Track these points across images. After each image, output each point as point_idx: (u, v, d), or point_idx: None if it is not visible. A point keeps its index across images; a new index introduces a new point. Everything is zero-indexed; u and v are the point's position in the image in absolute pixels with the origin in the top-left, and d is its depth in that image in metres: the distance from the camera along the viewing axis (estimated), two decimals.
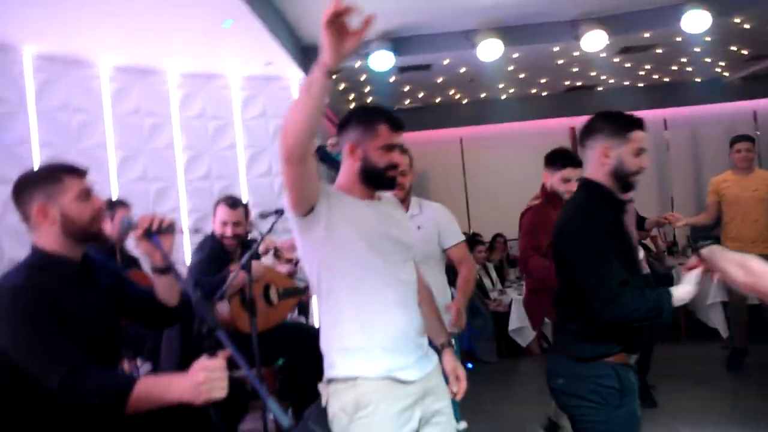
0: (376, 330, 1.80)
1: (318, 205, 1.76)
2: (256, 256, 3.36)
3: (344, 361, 1.80)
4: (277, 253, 4.04)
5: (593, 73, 7.56)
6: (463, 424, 2.06)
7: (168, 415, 2.00)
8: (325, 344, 1.86)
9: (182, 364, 1.78)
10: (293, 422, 1.44)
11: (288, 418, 1.42)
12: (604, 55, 6.39)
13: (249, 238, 3.88)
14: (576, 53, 6.32)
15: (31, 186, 1.92)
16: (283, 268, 3.93)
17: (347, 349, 1.80)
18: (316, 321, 5.31)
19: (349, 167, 1.91)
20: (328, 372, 1.83)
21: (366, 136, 1.87)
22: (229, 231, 3.41)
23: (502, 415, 4.25)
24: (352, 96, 7.30)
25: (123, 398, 1.70)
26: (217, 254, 3.33)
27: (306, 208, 1.75)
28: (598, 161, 2.04)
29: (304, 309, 4.55)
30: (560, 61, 6.80)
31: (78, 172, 1.98)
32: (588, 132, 2.09)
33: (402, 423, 1.78)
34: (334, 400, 1.81)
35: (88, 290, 1.99)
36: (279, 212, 3.25)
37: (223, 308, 3.30)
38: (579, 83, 8.06)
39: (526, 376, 5.57)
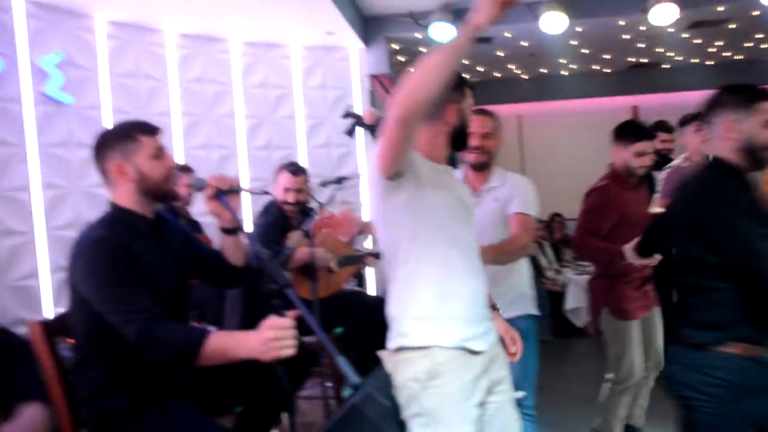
0: (452, 299, 1.78)
1: (406, 169, 1.74)
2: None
3: (419, 329, 1.77)
4: None
5: (660, 50, 7.30)
6: (521, 393, 2.06)
7: (237, 370, 2.08)
8: (397, 311, 1.82)
9: (244, 327, 1.84)
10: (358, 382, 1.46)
11: (356, 376, 1.44)
12: (672, 30, 6.15)
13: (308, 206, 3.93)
14: (643, 28, 6.11)
15: (109, 144, 1.99)
16: (341, 237, 3.98)
17: (422, 317, 1.77)
18: (370, 289, 5.38)
19: (435, 130, 1.88)
20: (399, 340, 1.80)
21: (460, 97, 1.89)
22: (291, 197, 3.45)
23: (554, 391, 4.23)
24: (411, 68, 7.26)
25: (195, 351, 1.76)
26: (279, 220, 3.38)
27: (396, 171, 1.72)
28: (723, 136, 1.92)
29: (360, 278, 4.59)
30: (626, 36, 6.59)
31: (152, 131, 2.03)
32: (712, 106, 1.97)
33: (471, 393, 1.77)
34: (404, 368, 1.77)
35: (160, 248, 2.04)
36: (340, 180, 3.28)
37: None
38: (644, 60, 7.79)
39: (580, 355, 5.53)
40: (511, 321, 2.45)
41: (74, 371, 1.99)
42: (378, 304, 3.65)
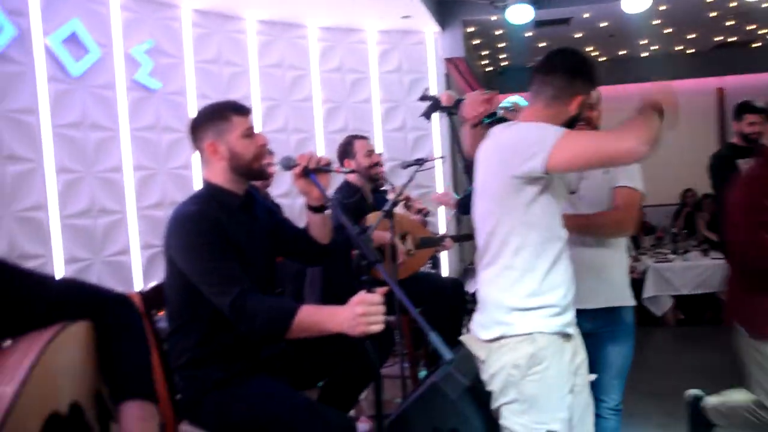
0: (557, 288, 1.77)
1: None
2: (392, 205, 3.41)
3: (523, 317, 1.75)
4: (408, 204, 4.10)
5: (751, 27, 6.91)
6: (593, 376, 2.03)
7: (324, 345, 2.13)
8: (498, 299, 1.80)
9: (323, 305, 1.88)
10: (450, 356, 1.45)
11: (449, 351, 1.44)
12: (766, 5, 5.82)
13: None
14: (733, 4, 5.81)
15: (203, 124, 2.05)
16: (415, 219, 3.99)
17: (528, 306, 1.75)
18: (444, 271, 5.40)
19: (554, 114, 1.83)
20: (499, 329, 1.77)
21: (588, 90, 1.86)
22: (376, 158, 3.46)
23: (632, 382, 4.13)
24: (485, 52, 7.17)
25: (286, 323, 1.80)
26: (356, 201, 3.37)
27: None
28: None
29: (434, 260, 4.59)
30: (713, 14, 6.27)
31: (244, 111, 2.08)
32: None
33: (567, 378, 1.76)
34: (503, 355, 1.75)
35: (249, 224, 2.09)
36: (420, 162, 3.29)
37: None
38: (732, 39, 7.40)
39: (659, 345, 5.36)
40: (615, 311, 2.34)
41: (168, 341, 2.08)
42: (453, 286, 3.69)
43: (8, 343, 1.18)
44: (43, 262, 3.60)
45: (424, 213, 3.87)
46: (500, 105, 3.46)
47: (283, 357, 2.20)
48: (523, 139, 1.74)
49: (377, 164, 3.49)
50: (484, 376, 1.83)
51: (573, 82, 1.82)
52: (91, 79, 3.95)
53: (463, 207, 3.51)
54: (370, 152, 3.48)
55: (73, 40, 3.81)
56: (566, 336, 1.78)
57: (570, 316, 1.81)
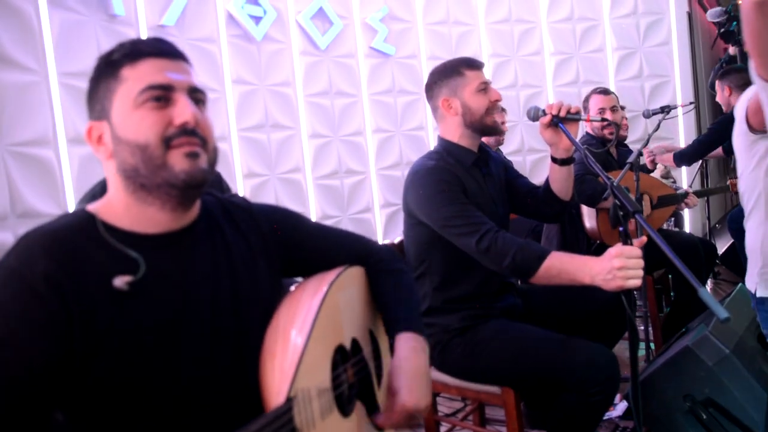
0: None
1: None
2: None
3: None
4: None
5: None
6: None
7: (576, 295, 2.10)
8: None
9: None
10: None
11: (724, 310, 1.32)
12: None
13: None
14: None
15: (438, 81, 2.10)
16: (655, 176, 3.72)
17: None
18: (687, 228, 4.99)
19: None
20: None
21: None
22: (608, 115, 3.28)
23: None
24: None
25: (534, 266, 1.77)
26: (599, 154, 3.22)
27: None
28: None
29: (678, 217, 4.25)
30: None
31: (476, 65, 2.09)
32: None
33: None
34: None
35: (484, 179, 2.12)
36: (665, 110, 3.05)
37: (589, 218, 3.22)
38: None
39: None
40: None
41: None
42: (704, 246, 3.38)
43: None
44: None
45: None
46: None
47: (524, 309, 2.18)
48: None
49: (612, 121, 3.30)
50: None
51: None
52: (335, 49, 4.28)
53: (678, 158, 3.15)
54: (602, 110, 3.25)
55: (319, 15, 4.17)
56: None
57: None
